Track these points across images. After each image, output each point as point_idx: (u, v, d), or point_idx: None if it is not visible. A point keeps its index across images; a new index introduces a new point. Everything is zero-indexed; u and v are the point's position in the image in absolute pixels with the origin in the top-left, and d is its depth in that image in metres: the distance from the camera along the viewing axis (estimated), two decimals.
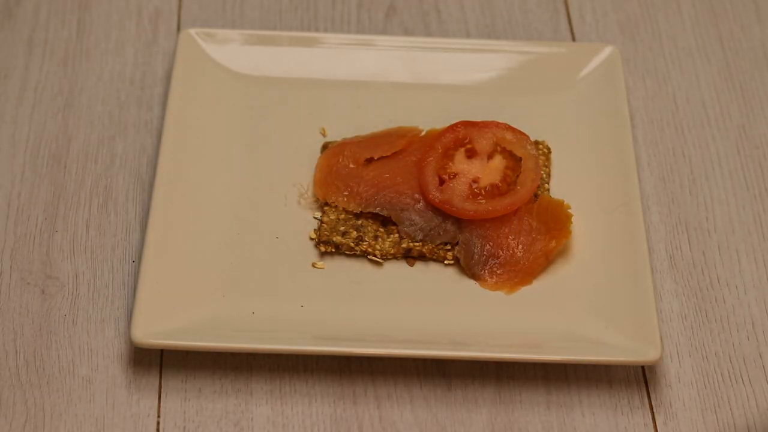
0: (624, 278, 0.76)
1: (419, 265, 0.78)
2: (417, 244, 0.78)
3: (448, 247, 0.78)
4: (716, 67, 0.90)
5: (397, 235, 0.78)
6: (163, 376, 0.74)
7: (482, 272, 0.77)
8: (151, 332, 0.72)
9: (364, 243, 0.78)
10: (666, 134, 0.87)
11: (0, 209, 0.80)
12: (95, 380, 0.74)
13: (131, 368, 0.74)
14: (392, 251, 0.78)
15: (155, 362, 0.75)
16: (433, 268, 0.78)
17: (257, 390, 0.74)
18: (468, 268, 0.77)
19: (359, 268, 0.78)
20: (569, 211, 0.78)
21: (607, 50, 0.86)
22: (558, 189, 0.81)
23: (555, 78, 0.85)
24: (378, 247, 0.78)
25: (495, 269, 0.77)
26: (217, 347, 0.72)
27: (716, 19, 0.93)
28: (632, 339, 0.73)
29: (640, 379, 0.75)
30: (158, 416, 0.73)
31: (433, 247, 0.78)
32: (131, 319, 0.73)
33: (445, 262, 0.78)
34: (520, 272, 0.77)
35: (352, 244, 0.78)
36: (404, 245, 0.78)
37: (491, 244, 0.77)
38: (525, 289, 0.77)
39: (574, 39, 0.92)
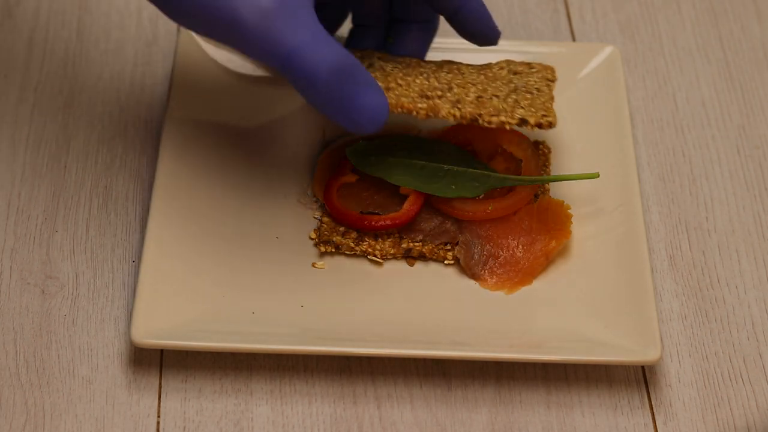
0: (624, 278, 0.76)
1: (419, 265, 0.78)
2: (417, 244, 0.78)
3: (448, 247, 0.78)
4: (716, 67, 0.90)
5: (397, 235, 0.78)
6: (163, 376, 0.74)
7: (482, 272, 0.77)
8: (151, 332, 0.72)
9: (364, 243, 0.78)
10: (666, 134, 0.87)
11: (0, 209, 0.80)
12: (95, 380, 0.74)
13: (131, 368, 0.74)
14: (392, 251, 0.78)
15: (155, 362, 0.75)
16: (433, 268, 0.78)
17: (257, 390, 0.74)
18: (468, 268, 0.77)
19: (359, 268, 0.78)
20: (569, 211, 0.78)
21: (607, 50, 0.86)
22: (558, 189, 0.81)
23: None
24: (378, 247, 0.78)
25: (495, 269, 0.77)
26: (217, 347, 0.72)
27: (716, 19, 0.93)
28: (632, 339, 0.73)
29: (640, 379, 0.75)
30: (158, 416, 0.73)
31: (433, 247, 0.78)
32: (131, 319, 0.73)
33: (445, 262, 0.78)
34: (520, 272, 0.77)
35: (352, 244, 0.78)
36: (404, 245, 0.78)
37: (491, 244, 0.77)
38: (525, 289, 0.77)
39: (574, 39, 0.92)
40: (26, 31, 0.90)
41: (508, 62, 0.80)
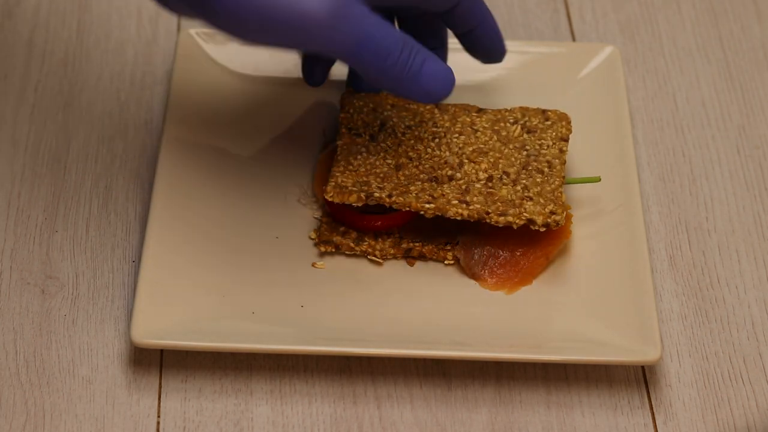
0: (624, 278, 0.76)
1: (419, 265, 0.78)
2: (417, 244, 0.78)
3: (448, 247, 0.78)
4: (716, 67, 0.90)
5: (397, 235, 0.78)
6: (163, 376, 0.74)
7: (482, 272, 0.77)
8: (151, 332, 0.72)
9: (364, 243, 0.78)
10: (666, 134, 0.87)
11: (0, 209, 0.80)
12: (95, 380, 0.74)
13: (131, 368, 0.74)
14: (392, 251, 0.78)
15: (155, 362, 0.75)
16: (433, 268, 0.78)
17: (257, 390, 0.74)
18: (468, 268, 0.77)
19: (359, 268, 0.78)
20: (569, 211, 0.78)
21: (607, 50, 0.86)
22: None
23: (555, 78, 0.85)
24: (378, 247, 0.78)
25: (495, 269, 0.77)
26: (217, 347, 0.72)
27: (716, 19, 0.93)
28: (632, 339, 0.73)
29: (640, 379, 0.75)
30: (158, 416, 0.73)
31: (433, 247, 0.78)
32: (131, 319, 0.73)
33: (445, 262, 0.78)
34: (520, 272, 0.77)
35: (352, 244, 0.78)
36: (404, 245, 0.78)
37: (491, 244, 0.77)
38: (525, 289, 0.77)
39: (574, 39, 0.92)
40: (26, 31, 0.90)
41: (523, 111, 0.80)
